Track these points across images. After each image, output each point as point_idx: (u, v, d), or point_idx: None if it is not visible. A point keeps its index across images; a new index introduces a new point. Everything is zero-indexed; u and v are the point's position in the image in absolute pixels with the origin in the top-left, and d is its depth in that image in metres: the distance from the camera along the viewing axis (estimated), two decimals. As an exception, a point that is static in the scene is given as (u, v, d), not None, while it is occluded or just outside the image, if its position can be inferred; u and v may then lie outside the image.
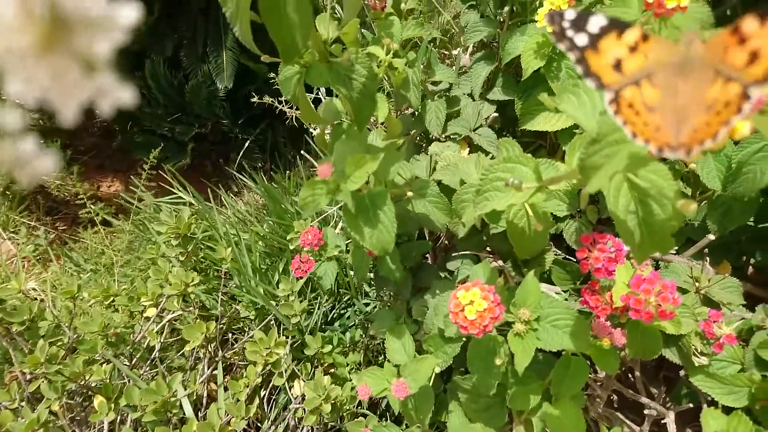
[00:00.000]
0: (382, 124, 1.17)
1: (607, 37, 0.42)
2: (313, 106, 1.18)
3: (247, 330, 1.78)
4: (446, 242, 1.44)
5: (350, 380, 1.44)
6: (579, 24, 0.43)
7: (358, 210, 0.77)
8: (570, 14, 0.43)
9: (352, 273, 1.66)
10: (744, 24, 0.38)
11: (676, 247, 1.03)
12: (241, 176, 2.43)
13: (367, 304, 1.80)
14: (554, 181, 0.64)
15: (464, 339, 0.95)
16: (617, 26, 0.43)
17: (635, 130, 0.42)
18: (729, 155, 0.90)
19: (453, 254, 1.28)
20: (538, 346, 0.72)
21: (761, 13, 0.37)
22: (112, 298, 1.64)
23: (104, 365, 1.34)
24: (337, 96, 1.03)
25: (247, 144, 2.78)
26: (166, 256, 1.65)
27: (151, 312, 1.57)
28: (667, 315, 0.70)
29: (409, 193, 0.95)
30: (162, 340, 1.58)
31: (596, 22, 0.43)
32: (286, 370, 1.39)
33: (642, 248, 0.51)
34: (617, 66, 0.43)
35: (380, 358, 1.66)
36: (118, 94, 0.21)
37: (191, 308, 1.58)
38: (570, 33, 0.42)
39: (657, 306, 0.70)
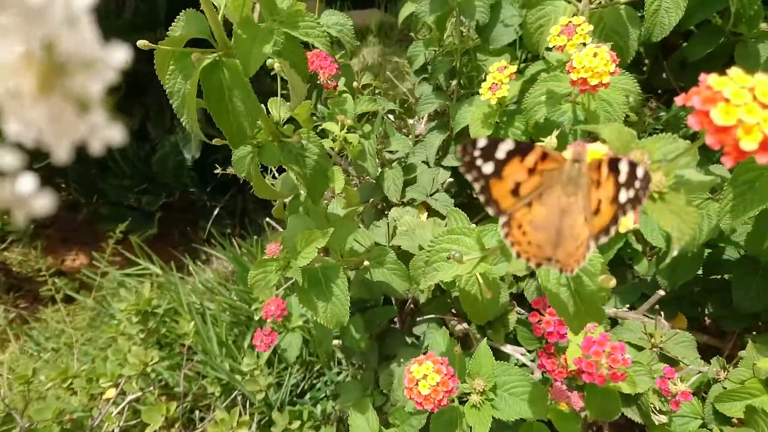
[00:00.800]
0: (340, 194, 1.19)
1: (511, 162, 0.45)
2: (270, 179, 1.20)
3: (213, 407, 1.71)
4: (412, 306, 1.44)
5: (321, 457, 1.38)
6: (488, 152, 0.45)
7: (311, 284, 0.77)
8: (482, 142, 0.45)
9: (321, 342, 1.63)
10: (603, 163, 0.43)
11: (628, 304, 1.05)
12: (206, 246, 2.41)
13: (339, 373, 1.75)
14: (497, 250, 0.66)
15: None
16: (522, 150, 0.45)
17: (519, 250, 0.45)
18: (668, 213, 0.95)
19: (418, 318, 1.28)
20: (496, 416, 0.71)
21: (611, 160, 0.41)
22: (70, 381, 1.58)
23: (57, 456, 1.27)
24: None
25: (216, 211, 2.78)
26: (126, 333, 1.60)
27: (111, 393, 1.51)
28: (618, 377, 0.70)
29: (366, 263, 0.96)
30: (122, 424, 1.50)
31: (504, 148, 0.45)
32: (252, 451, 1.33)
33: (578, 318, 0.53)
34: (515, 190, 0.46)
35: (353, 430, 1.60)
36: (109, 132, 0.21)
37: (151, 388, 1.52)
38: (479, 162, 0.45)
39: (609, 368, 0.71)
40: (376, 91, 1.58)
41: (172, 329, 1.87)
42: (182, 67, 0.71)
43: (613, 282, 0.46)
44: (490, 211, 0.46)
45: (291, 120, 0.97)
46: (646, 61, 1.63)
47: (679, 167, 0.41)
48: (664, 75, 1.54)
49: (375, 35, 3.42)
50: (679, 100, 0.36)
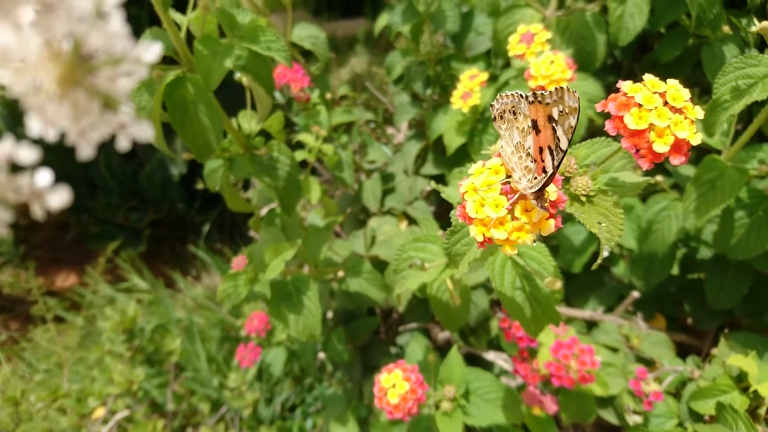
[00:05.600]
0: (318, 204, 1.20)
1: None
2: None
3: (204, 424, 1.70)
4: (396, 315, 1.44)
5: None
6: None
7: (282, 297, 0.78)
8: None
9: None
10: None
11: (602, 307, 1.06)
12: (195, 261, 2.41)
13: (330, 386, 1.75)
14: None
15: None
16: None
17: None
18: (639, 215, 0.96)
19: (400, 328, 1.28)
20: (468, 422, 0.71)
21: None
22: (60, 401, 1.58)
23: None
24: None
25: (205, 226, 2.78)
26: (113, 352, 1.60)
27: (100, 413, 1.51)
28: (587, 379, 0.71)
29: (340, 273, 0.96)
30: (111, 444, 1.50)
31: None
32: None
33: (535, 322, 0.53)
34: None
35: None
36: (137, 129, 0.21)
37: (138, 406, 1.52)
38: None
39: (578, 370, 0.71)
40: (357, 102, 1.59)
41: (161, 346, 1.86)
42: (147, 83, 0.72)
43: (559, 284, 0.47)
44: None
45: (265, 132, 0.98)
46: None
47: (614, 170, 0.41)
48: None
49: (363, 44, 3.45)
50: (598, 107, 0.36)
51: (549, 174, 0.37)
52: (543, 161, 0.38)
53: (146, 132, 0.22)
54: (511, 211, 0.39)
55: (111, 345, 1.61)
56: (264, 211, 1.09)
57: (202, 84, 0.72)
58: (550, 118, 0.37)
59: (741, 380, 0.79)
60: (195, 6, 0.76)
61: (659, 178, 0.90)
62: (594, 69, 1.08)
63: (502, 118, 0.44)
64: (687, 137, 0.34)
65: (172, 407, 1.59)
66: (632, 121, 0.34)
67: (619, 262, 1.12)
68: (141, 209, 2.74)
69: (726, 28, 1.04)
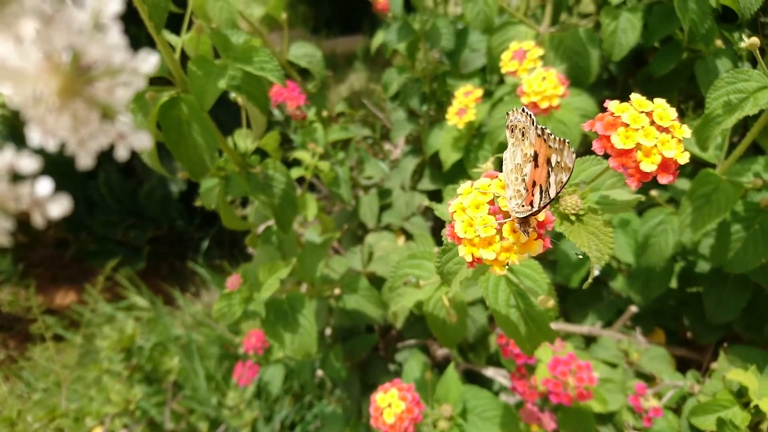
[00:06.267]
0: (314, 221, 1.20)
1: None
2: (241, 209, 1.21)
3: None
4: (394, 331, 1.43)
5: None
6: None
7: (277, 316, 0.77)
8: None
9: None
10: None
11: (600, 321, 1.05)
12: (195, 278, 2.41)
13: (329, 404, 1.73)
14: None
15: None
16: None
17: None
18: (636, 229, 0.95)
19: (399, 344, 1.27)
20: (466, 441, 0.70)
21: None
22: (57, 420, 1.57)
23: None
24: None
25: (204, 243, 2.78)
26: (111, 371, 1.59)
27: (98, 432, 1.49)
28: (586, 395, 0.70)
29: (337, 291, 0.96)
30: (108, 464, 1.48)
31: None
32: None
33: (530, 339, 0.53)
34: None
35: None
36: (136, 139, 0.21)
37: (134, 425, 1.50)
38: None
39: (576, 387, 0.70)
40: (354, 118, 1.60)
41: (160, 364, 1.85)
42: (141, 104, 0.72)
43: (552, 302, 0.47)
44: None
45: (261, 150, 0.98)
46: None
47: (605, 187, 0.41)
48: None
49: (361, 61, 3.48)
50: (586, 126, 0.37)
51: (533, 210, 0.38)
52: (532, 195, 0.38)
53: (144, 142, 0.22)
54: (499, 231, 0.39)
55: (109, 364, 1.60)
56: (261, 229, 1.09)
57: (196, 104, 0.72)
58: (549, 162, 0.37)
59: (741, 395, 0.78)
60: (190, 27, 0.76)
61: (654, 192, 0.90)
62: (588, 84, 1.09)
63: (513, 132, 0.44)
64: (674, 156, 0.34)
65: (170, 426, 1.57)
66: (619, 140, 0.34)
67: (617, 277, 1.11)
68: (140, 227, 2.74)
69: (719, 42, 1.05)
